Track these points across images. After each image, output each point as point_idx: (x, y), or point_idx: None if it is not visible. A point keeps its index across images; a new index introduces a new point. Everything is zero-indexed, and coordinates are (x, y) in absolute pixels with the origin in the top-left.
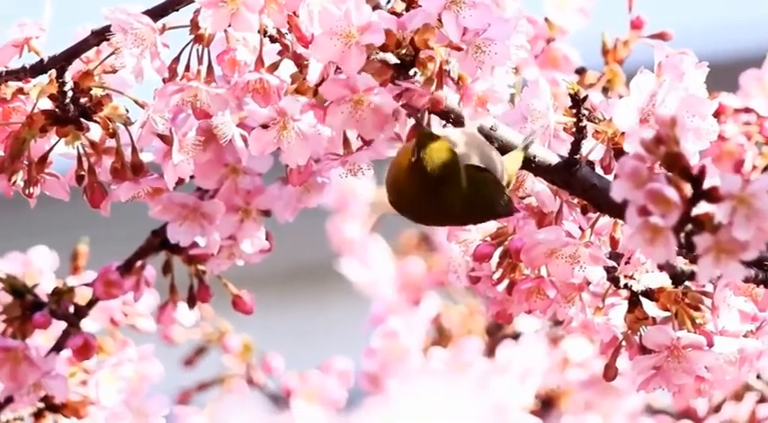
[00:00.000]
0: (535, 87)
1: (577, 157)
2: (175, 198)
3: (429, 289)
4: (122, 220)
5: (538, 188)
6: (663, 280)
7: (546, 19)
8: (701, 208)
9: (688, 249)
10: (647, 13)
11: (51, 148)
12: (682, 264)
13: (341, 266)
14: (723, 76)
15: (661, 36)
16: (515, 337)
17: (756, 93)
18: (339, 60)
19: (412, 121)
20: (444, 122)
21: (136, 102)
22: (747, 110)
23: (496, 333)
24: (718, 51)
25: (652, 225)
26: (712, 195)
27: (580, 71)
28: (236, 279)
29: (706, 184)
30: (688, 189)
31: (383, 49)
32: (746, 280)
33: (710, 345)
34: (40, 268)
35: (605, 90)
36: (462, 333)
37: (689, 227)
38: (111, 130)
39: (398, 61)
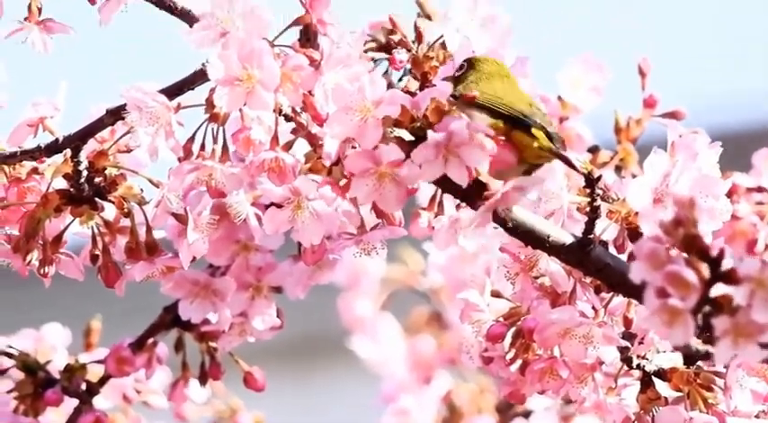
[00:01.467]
0: (550, 169)
1: (591, 236)
2: (187, 275)
3: (440, 367)
4: (135, 295)
5: (552, 268)
6: (675, 360)
7: (559, 98)
8: (719, 290)
9: (705, 331)
10: (659, 82)
11: (66, 228)
12: (696, 343)
13: (352, 344)
14: (735, 146)
15: (674, 115)
16: (526, 415)
17: None
18: (356, 135)
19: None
20: (458, 202)
21: (150, 181)
22: (760, 189)
23: (507, 411)
24: (731, 122)
25: (671, 307)
26: (731, 277)
27: (593, 150)
28: (248, 355)
29: (724, 267)
30: (706, 271)
31: (397, 125)
32: (764, 361)
33: None
34: (52, 345)
35: (618, 169)
36: (473, 411)
37: (706, 308)
38: (125, 210)
39: (413, 137)
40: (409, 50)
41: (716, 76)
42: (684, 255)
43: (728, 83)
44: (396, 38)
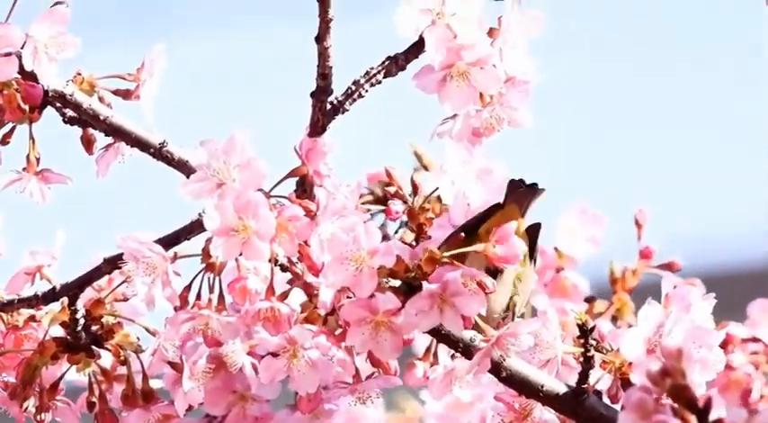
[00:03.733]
0: (544, 318)
1: (585, 386)
2: None
3: None
4: None
5: (546, 417)
6: None
7: (555, 248)
8: None
9: None
10: (652, 220)
11: (63, 375)
12: None
13: None
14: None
15: (669, 266)
16: None
17: (764, 322)
18: (351, 284)
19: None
20: (453, 352)
21: (147, 329)
22: (755, 339)
23: None
24: (726, 261)
25: None
26: None
27: (589, 300)
28: None
29: (712, 416)
30: (694, 421)
31: (392, 275)
32: None
33: None
34: None
35: (614, 318)
36: None
37: None
38: (122, 358)
39: (408, 288)
40: (405, 202)
41: (707, 216)
42: (673, 405)
43: (719, 222)
44: (392, 189)
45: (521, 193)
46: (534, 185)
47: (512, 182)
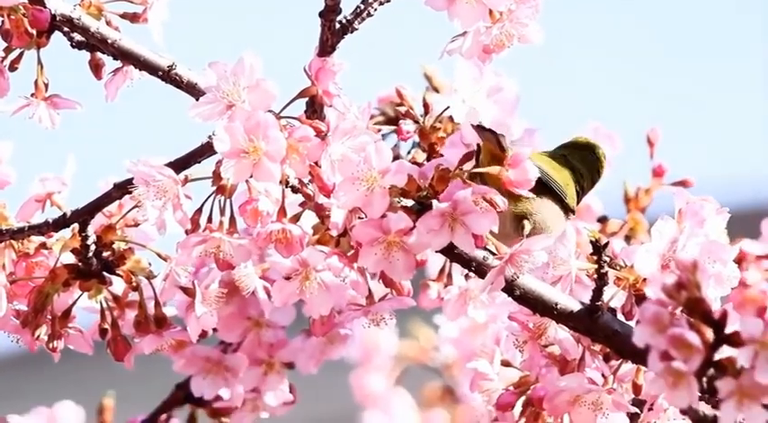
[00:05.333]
0: (561, 236)
1: (599, 303)
2: (199, 352)
3: None
4: (149, 373)
5: (560, 336)
6: None
7: None
8: (723, 352)
9: (710, 394)
10: (669, 155)
11: (74, 303)
12: (704, 408)
13: (365, 419)
14: (744, 227)
15: (682, 184)
16: None
17: None
18: (363, 204)
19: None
20: (467, 271)
21: (159, 255)
22: None
23: None
24: (740, 203)
25: (674, 370)
26: (734, 340)
27: (602, 220)
28: None
29: (728, 329)
30: (710, 334)
31: (404, 194)
32: None
33: None
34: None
35: (628, 238)
36: None
37: (711, 371)
38: (134, 284)
39: (420, 207)
40: (416, 122)
41: (723, 155)
42: (688, 318)
43: (738, 164)
44: (403, 109)
45: (488, 135)
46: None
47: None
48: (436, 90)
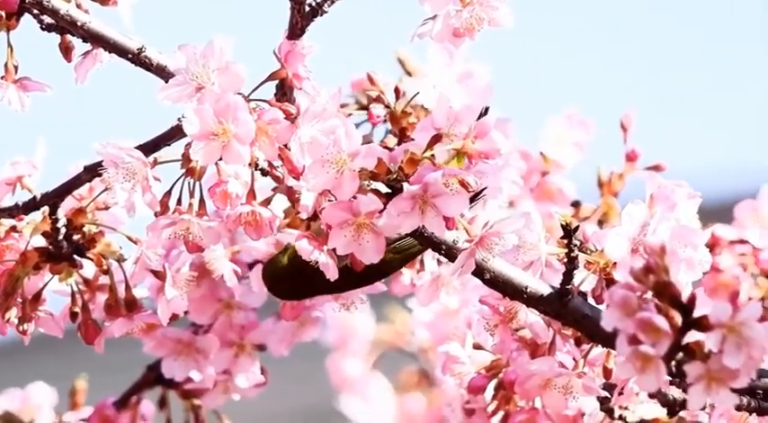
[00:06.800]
0: (528, 218)
1: (569, 287)
2: (170, 333)
3: None
4: (118, 353)
5: (531, 319)
6: (657, 411)
7: (541, 153)
8: (692, 336)
9: (679, 377)
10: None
11: (45, 286)
12: (674, 392)
13: (342, 404)
14: (723, 217)
15: (655, 168)
16: None
17: (751, 224)
18: (333, 187)
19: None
20: (437, 254)
21: (129, 238)
22: (742, 241)
23: None
24: (718, 194)
25: (642, 353)
26: (702, 324)
27: (575, 204)
28: (238, 418)
29: (696, 313)
30: (678, 318)
31: (374, 177)
32: (738, 408)
33: None
34: (38, 404)
35: (601, 223)
36: None
37: (680, 355)
38: (104, 267)
39: (390, 190)
40: (387, 106)
41: (697, 147)
42: (657, 302)
43: (709, 154)
44: (374, 94)
45: None
46: None
47: None
48: (409, 74)
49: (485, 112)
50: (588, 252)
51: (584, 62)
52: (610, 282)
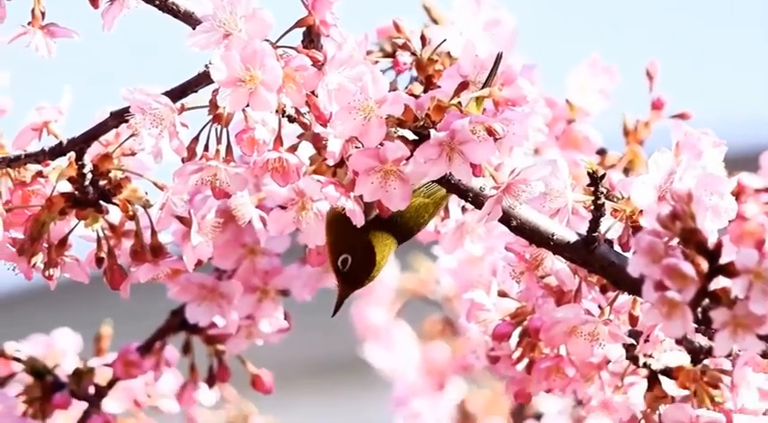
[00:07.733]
0: (554, 166)
1: (596, 235)
2: (194, 279)
3: (453, 374)
4: (144, 298)
5: (557, 267)
6: (682, 358)
7: (567, 101)
8: (718, 283)
9: (705, 324)
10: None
11: (71, 231)
12: (700, 339)
13: (365, 352)
14: (741, 167)
15: (681, 116)
16: (538, 417)
17: None
18: (360, 134)
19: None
20: (463, 201)
21: (155, 184)
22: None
23: (521, 416)
24: (735, 143)
25: (669, 300)
26: (729, 270)
27: (601, 152)
28: (262, 366)
29: (722, 260)
30: (704, 264)
31: (401, 124)
32: (764, 355)
33: None
34: (62, 350)
35: (626, 170)
36: (487, 416)
37: (706, 301)
38: (130, 213)
39: (417, 137)
40: (413, 54)
41: (726, 96)
42: (683, 248)
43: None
44: (400, 41)
45: None
46: None
47: None
48: (435, 22)
49: (499, 58)
50: (615, 200)
51: (611, 7)
52: (636, 229)
